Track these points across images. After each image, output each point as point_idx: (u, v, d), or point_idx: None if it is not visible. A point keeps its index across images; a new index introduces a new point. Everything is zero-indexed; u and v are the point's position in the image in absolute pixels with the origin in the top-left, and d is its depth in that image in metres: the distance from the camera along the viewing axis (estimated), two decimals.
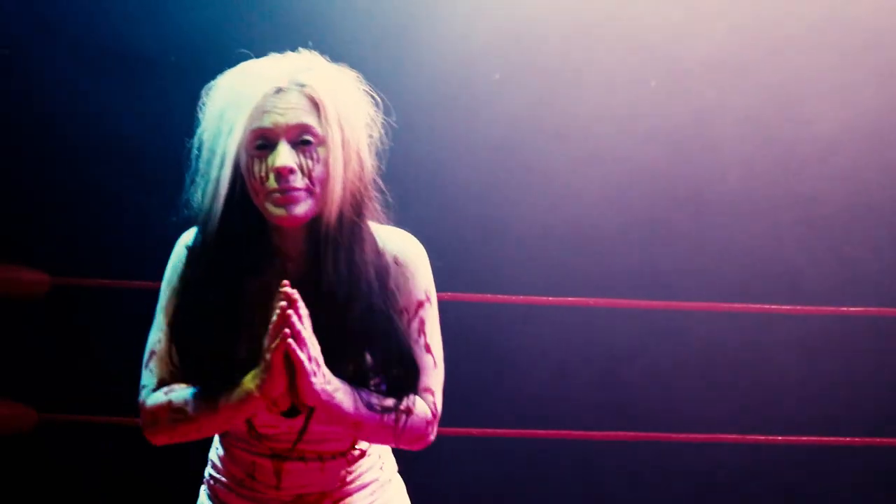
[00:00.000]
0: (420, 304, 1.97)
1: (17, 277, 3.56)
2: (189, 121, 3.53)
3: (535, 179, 3.70)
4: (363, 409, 1.88)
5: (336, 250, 1.87)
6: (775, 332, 3.74)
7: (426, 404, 1.97)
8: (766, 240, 3.74)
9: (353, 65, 1.96)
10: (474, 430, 3.61)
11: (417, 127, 3.53)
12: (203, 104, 1.91)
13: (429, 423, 1.97)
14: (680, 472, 3.77)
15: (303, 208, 1.84)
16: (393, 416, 1.91)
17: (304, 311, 1.78)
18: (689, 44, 3.69)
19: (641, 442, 3.72)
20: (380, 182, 1.97)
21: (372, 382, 1.91)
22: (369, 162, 1.92)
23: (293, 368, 1.78)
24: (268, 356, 1.78)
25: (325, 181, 1.84)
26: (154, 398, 1.92)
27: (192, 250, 1.95)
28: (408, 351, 1.93)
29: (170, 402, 1.89)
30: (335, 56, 1.94)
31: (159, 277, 3.55)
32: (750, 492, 3.78)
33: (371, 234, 1.93)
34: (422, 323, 1.97)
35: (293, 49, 1.97)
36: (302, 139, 1.84)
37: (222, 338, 1.86)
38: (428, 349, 1.97)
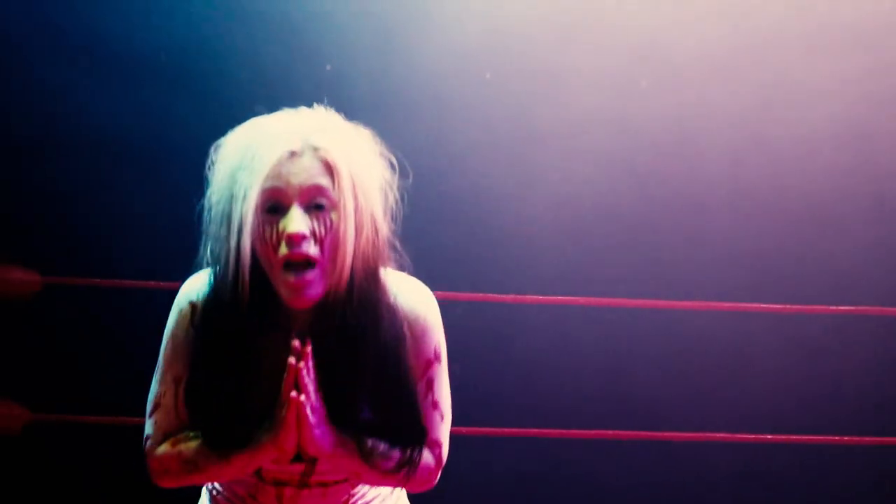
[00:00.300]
0: (429, 364, 1.96)
1: (8, 277, 3.55)
2: (184, 119, 3.56)
3: (525, 178, 3.69)
4: (367, 460, 1.88)
5: (343, 318, 1.85)
6: (774, 332, 3.74)
7: (432, 456, 1.98)
8: (764, 238, 3.74)
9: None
10: (473, 430, 3.61)
11: (407, 128, 3.54)
12: (212, 162, 1.88)
13: (432, 471, 1.99)
14: (685, 472, 3.76)
15: (314, 291, 1.82)
16: (397, 467, 1.92)
17: (311, 364, 1.78)
18: (680, 42, 3.69)
19: (644, 441, 3.71)
20: (396, 242, 1.93)
21: (379, 436, 1.91)
22: (384, 227, 1.89)
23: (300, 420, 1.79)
24: (283, 412, 1.78)
25: (336, 248, 1.81)
26: (162, 450, 1.92)
27: (202, 310, 1.91)
28: (416, 412, 1.93)
29: (179, 454, 1.89)
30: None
31: (151, 277, 3.58)
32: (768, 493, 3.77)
33: (385, 295, 1.90)
34: (430, 382, 1.96)
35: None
36: (315, 203, 1.80)
37: (235, 396, 1.85)
38: (436, 405, 1.97)
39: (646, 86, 3.71)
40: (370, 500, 2.05)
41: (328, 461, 1.87)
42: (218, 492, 2.06)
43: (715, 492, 3.77)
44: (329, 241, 1.80)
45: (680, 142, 3.72)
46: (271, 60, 3.58)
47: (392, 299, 1.91)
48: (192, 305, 1.92)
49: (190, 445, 1.89)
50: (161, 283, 3.52)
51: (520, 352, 3.73)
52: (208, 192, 1.87)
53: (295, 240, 1.78)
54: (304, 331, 1.85)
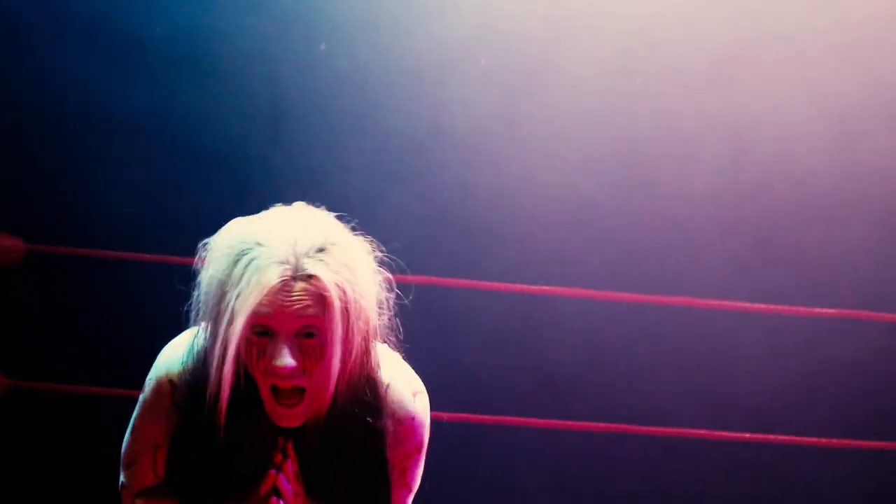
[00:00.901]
0: (408, 455, 1.95)
1: None
2: (172, 89, 3.54)
3: (516, 170, 3.68)
4: None
5: (326, 427, 1.86)
6: (760, 330, 3.74)
7: None
8: (753, 236, 3.74)
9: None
10: (459, 416, 3.60)
11: (400, 110, 3.51)
12: (203, 262, 1.84)
13: None
14: (667, 467, 3.76)
15: (300, 419, 1.82)
16: None
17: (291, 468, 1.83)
18: (675, 36, 3.68)
19: (626, 434, 3.71)
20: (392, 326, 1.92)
21: None
22: (374, 350, 1.87)
23: None
24: (263, 494, 1.84)
25: (324, 374, 1.79)
26: (138, 503, 1.95)
27: (182, 392, 1.90)
28: (385, 499, 1.93)
29: None
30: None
31: (137, 248, 3.56)
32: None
33: (371, 395, 1.90)
34: (405, 470, 1.96)
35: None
36: (305, 332, 1.77)
37: (216, 473, 1.86)
38: (406, 486, 1.97)
39: (642, 81, 3.70)
40: None
41: None
42: None
43: (699, 488, 3.77)
44: (318, 369, 1.79)
45: (670, 136, 3.71)
46: (264, 38, 3.56)
47: (382, 391, 1.91)
48: (173, 384, 1.90)
49: (167, 502, 1.92)
50: (147, 256, 3.52)
51: (504, 340, 3.73)
52: (197, 293, 1.84)
53: (281, 373, 1.76)
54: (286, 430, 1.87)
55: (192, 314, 1.86)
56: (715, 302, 3.70)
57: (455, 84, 3.66)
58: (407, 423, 1.93)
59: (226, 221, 1.95)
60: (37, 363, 3.61)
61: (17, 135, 3.57)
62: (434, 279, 3.46)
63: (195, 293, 1.84)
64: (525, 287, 3.66)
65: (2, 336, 3.60)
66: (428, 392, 2.02)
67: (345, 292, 1.76)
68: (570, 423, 3.70)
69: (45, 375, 3.59)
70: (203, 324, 1.83)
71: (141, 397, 1.94)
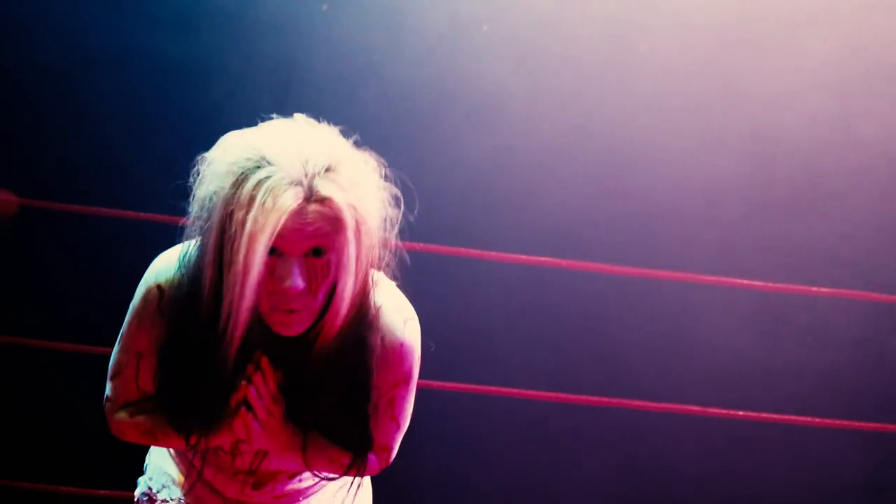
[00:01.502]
0: (396, 384, 1.94)
1: None
2: (165, 46, 3.51)
3: (519, 143, 3.67)
4: (314, 460, 1.92)
5: (326, 357, 1.84)
6: (744, 306, 3.74)
7: (378, 459, 1.99)
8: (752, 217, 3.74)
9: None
10: (449, 385, 3.61)
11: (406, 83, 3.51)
12: (198, 173, 1.81)
13: (374, 471, 2.01)
14: (654, 441, 3.77)
15: (304, 326, 1.80)
16: (342, 468, 1.94)
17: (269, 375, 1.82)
18: (674, 13, 3.66)
19: (613, 408, 3.72)
20: (393, 248, 1.89)
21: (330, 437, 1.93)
22: (382, 263, 1.87)
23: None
24: (236, 410, 1.84)
25: (331, 293, 1.79)
26: (120, 416, 1.97)
27: (172, 300, 1.89)
28: (368, 429, 1.93)
29: (136, 424, 1.95)
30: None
31: (129, 206, 3.54)
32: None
33: (366, 318, 1.87)
34: (393, 400, 1.95)
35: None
36: (314, 250, 1.76)
37: (200, 382, 1.85)
38: (395, 419, 1.97)
39: (646, 49, 3.68)
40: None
41: (275, 455, 1.93)
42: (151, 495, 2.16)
43: (686, 462, 3.78)
44: (325, 287, 1.78)
45: (664, 118, 3.69)
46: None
47: (373, 312, 1.88)
48: (161, 290, 1.90)
49: (147, 418, 1.94)
50: (140, 214, 3.50)
51: (491, 309, 3.73)
52: (193, 202, 1.82)
53: (290, 293, 1.75)
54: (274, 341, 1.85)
55: (186, 229, 1.85)
56: (709, 277, 3.70)
57: (461, 49, 3.64)
58: (396, 348, 1.91)
59: None
60: (30, 321, 3.60)
61: (8, 88, 3.55)
62: (437, 247, 3.46)
63: (190, 208, 1.82)
64: (520, 257, 3.66)
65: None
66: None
67: (356, 211, 1.75)
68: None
69: (38, 333, 3.59)
70: (197, 238, 1.81)
71: (130, 306, 1.94)
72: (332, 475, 1.94)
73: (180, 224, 1.88)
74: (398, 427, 1.98)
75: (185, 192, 1.86)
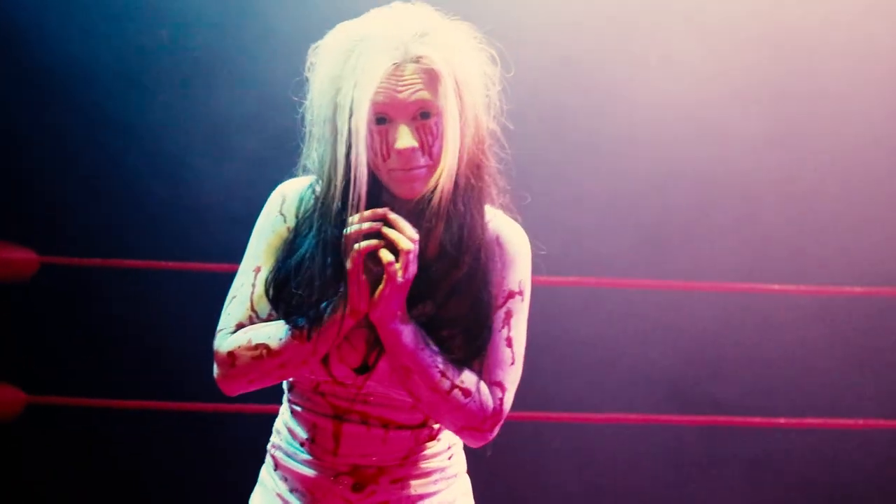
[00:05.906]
0: (511, 295, 1.97)
1: (5, 256, 3.51)
2: (183, 99, 3.51)
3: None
4: (422, 358, 1.88)
5: (448, 218, 1.90)
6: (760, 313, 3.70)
7: (491, 397, 1.94)
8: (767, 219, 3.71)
9: None
10: None
11: None
12: (311, 64, 1.93)
13: (487, 416, 1.93)
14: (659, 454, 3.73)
15: (423, 185, 1.88)
16: (448, 385, 1.89)
17: (411, 232, 1.85)
18: (685, 21, 3.65)
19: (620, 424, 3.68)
20: (498, 156, 1.97)
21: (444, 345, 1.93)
22: (485, 126, 1.94)
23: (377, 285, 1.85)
24: (348, 265, 1.84)
25: (444, 151, 1.87)
26: (231, 339, 1.94)
27: (294, 199, 1.98)
28: (487, 334, 1.93)
29: (249, 340, 1.92)
30: None
31: (150, 256, 3.53)
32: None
33: (482, 206, 1.95)
34: (508, 314, 1.96)
35: None
36: (421, 112, 1.86)
37: (324, 288, 1.89)
38: (509, 343, 1.96)
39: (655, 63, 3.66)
40: (431, 471, 2.03)
41: (386, 334, 1.88)
42: (277, 447, 2.07)
43: (691, 473, 3.73)
44: (437, 146, 1.87)
45: (677, 121, 3.66)
46: None
47: (488, 218, 1.96)
48: (282, 195, 2.00)
49: (261, 331, 1.92)
50: (161, 263, 3.49)
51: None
52: (309, 95, 1.93)
53: (405, 154, 1.84)
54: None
55: (307, 126, 1.94)
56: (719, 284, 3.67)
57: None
58: (513, 249, 1.98)
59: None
60: (55, 378, 3.59)
61: (27, 145, 3.57)
62: None
63: (306, 100, 1.93)
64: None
65: (19, 352, 3.58)
66: None
67: (454, 68, 1.87)
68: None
69: (63, 390, 3.58)
70: (318, 132, 1.91)
71: (255, 229, 2.01)
72: (438, 403, 1.89)
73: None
74: (512, 359, 1.96)
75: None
